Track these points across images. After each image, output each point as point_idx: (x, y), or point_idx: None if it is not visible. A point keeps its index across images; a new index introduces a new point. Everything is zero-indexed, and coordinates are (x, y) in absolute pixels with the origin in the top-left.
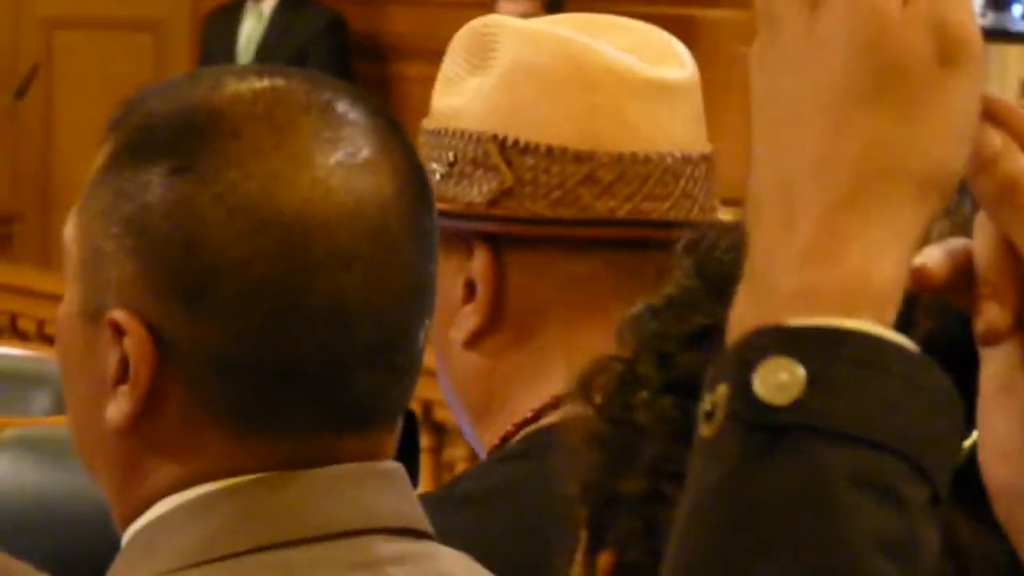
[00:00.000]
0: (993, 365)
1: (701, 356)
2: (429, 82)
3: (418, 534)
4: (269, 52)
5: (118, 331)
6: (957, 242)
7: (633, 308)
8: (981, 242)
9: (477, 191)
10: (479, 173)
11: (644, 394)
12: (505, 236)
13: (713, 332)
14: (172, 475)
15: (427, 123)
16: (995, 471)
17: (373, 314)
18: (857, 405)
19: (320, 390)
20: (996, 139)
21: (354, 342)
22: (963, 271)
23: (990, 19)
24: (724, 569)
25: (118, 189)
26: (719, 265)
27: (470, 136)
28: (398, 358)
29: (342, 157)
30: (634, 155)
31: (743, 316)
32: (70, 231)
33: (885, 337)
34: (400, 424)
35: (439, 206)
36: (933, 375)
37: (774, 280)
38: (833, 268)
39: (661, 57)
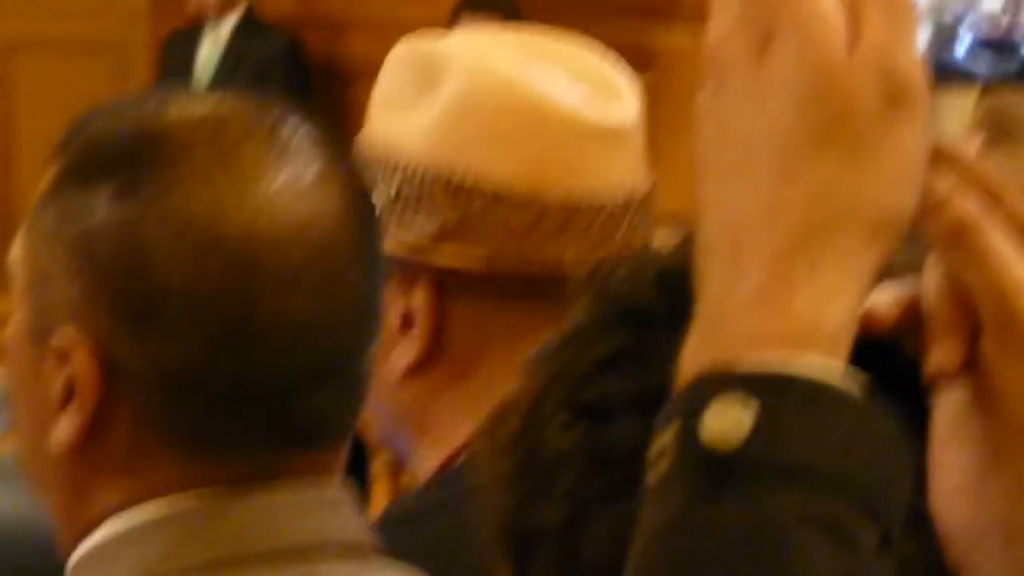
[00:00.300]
0: (943, 410)
1: (610, 382)
2: None
3: (365, 552)
4: (227, 76)
5: (64, 353)
6: (905, 286)
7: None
8: (931, 283)
9: (420, 229)
10: (424, 211)
11: (555, 426)
12: (448, 278)
13: (619, 358)
14: (119, 496)
15: (367, 143)
16: (946, 514)
17: (320, 334)
18: (806, 446)
19: (268, 410)
20: (943, 182)
21: (301, 362)
22: (912, 313)
23: (935, 55)
24: None
25: (63, 211)
26: (615, 293)
27: (414, 171)
28: (346, 377)
29: (287, 179)
30: (579, 202)
31: (691, 361)
32: (17, 253)
33: (834, 378)
34: (349, 443)
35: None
36: (883, 416)
37: (723, 326)
38: (782, 313)
39: (607, 94)
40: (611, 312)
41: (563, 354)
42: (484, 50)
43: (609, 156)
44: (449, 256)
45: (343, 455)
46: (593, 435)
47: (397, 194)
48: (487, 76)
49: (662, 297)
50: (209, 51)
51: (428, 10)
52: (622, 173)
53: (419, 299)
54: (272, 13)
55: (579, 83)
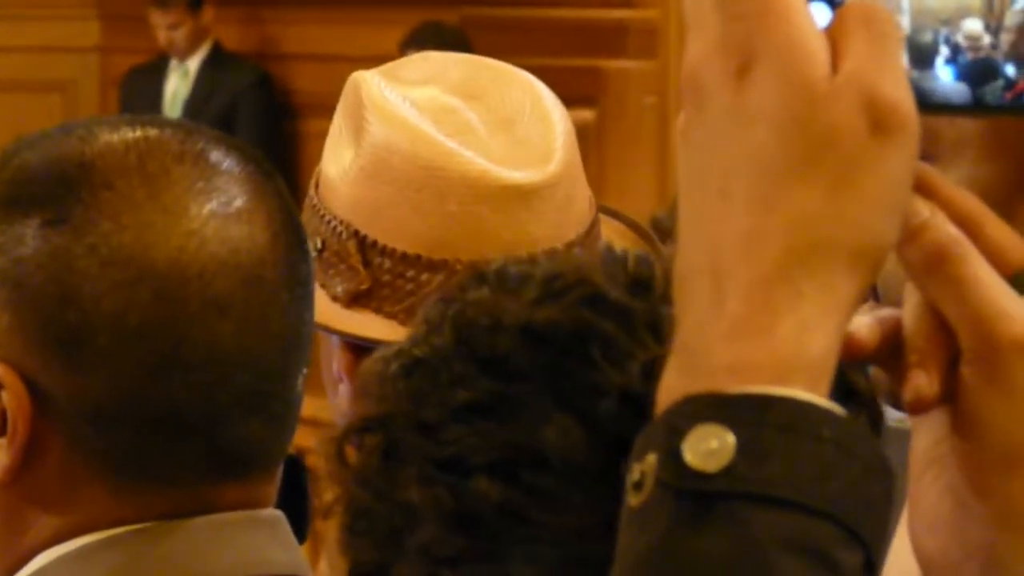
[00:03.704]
0: (923, 439)
1: (467, 435)
2: None
3: None
4: (196, 110)
5: None
6: (887, 311)
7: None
8: (909, 311)
9: (340, 286)
10: (343, 267)
11: (413, 470)
12: (361, 342)
13: (477, 409)
14: (53, 527)
15: (315, 186)
16: (925, 543)
17: (250, 362)
18: (788, 470)
19: (198, 439)
20: (923, 209)
21: (231, 390)
22: (892, 340)
23: (914, 79)
24: None
25: None
26: (471, 332)
27: (336, 226)
28: (276, 405)
29: (216, 207)
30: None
31: (672, 388)
32: None
33: (815, 404)
34: (280, 472)
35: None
36: (865, 441)
37: (705, 353)
38: (764, 340)
39: (527, 146)
40: (468, 355)
41: (411, 382)
42: (401, 101)
43: (523, 216)
44: (357, 323)
45: (275, 485)
46: (448, 492)
47: (322, 247)
48: (401, 135)
49: (527, 352)
50: (177, 86)
51: (376, 44)
52: (540, 229)
53: (340, 359)
54: (235, 48)
55: (498, 135)
